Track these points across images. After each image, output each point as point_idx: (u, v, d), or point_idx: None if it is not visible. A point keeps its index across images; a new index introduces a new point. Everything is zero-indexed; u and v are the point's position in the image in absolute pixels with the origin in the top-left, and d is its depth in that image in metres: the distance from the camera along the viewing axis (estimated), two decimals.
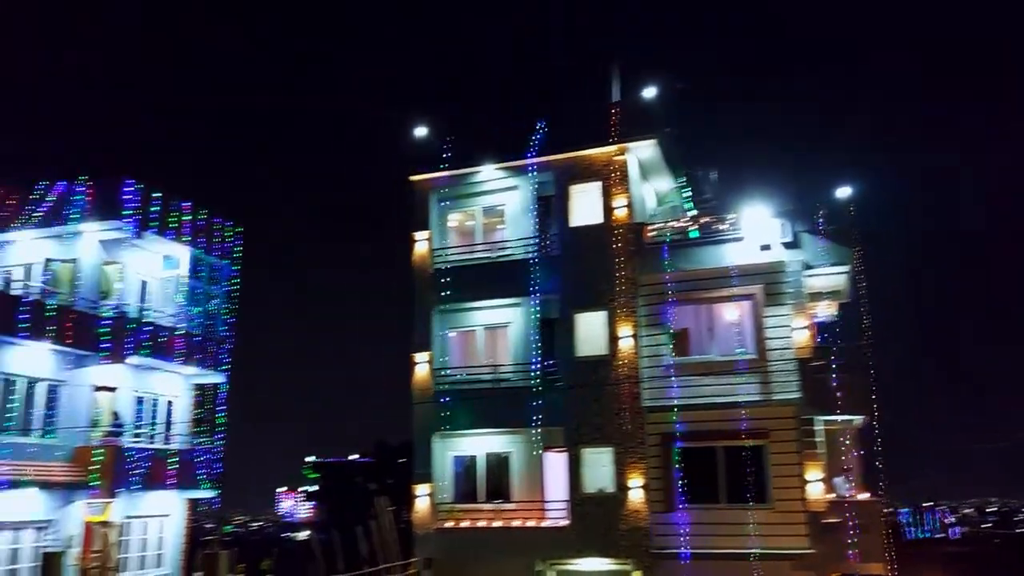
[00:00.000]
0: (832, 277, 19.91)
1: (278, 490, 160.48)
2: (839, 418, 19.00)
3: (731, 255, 19.58)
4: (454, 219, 23.21)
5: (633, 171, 21.25)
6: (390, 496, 22.52)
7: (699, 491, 18.94)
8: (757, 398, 18.77)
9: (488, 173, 22.31)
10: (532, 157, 21.68)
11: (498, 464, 21.18)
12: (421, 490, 21.06)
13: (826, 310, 21.51)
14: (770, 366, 18.86)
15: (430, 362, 21.70)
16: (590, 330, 20.48)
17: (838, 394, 18.32)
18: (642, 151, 21.40)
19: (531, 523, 20.05)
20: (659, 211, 22.98)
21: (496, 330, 21.87)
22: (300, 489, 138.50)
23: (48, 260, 23.41)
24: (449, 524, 20.63)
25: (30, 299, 21.27)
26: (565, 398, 20.09)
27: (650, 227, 20.80)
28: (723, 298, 19.82)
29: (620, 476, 19.45)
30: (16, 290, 22.07)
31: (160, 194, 23.86)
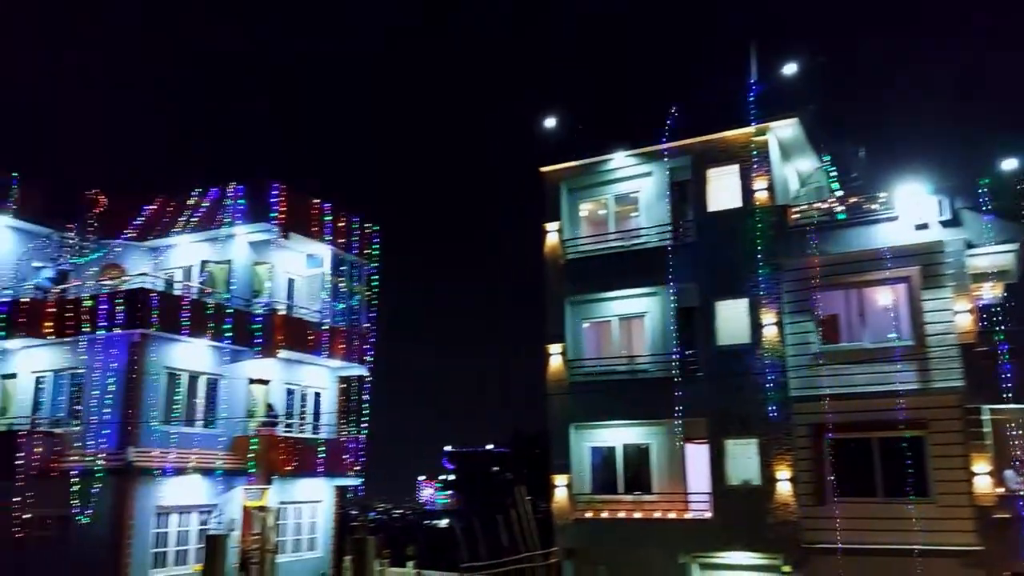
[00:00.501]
0: (998, 256, 18.43)
1: (418, 478, 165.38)
2: (1009, 407, 17.60)
3: (883, 236, 18.46)
4: (585, 208, 23.04)
5: (774, 152, 20.43)
6: (527, 486, 22.63)
7: (853, 484, 18.01)
8: (915, 386, 17.65)
9: (620, 160, 22.00)
10: (666, 142, 21.21)
11: (637, 455, 20.91)
12: (559, 480, 21.05)
13: (992, 291, 19.97)
14: (929, 352, 17.68)
15: (563, 353, 21.64)
16: (731, 318, 19.85)
17: (1006, 381, 16.97)
18: (783, 130, 20.53)
19: (673, 515, 19.67)
20: (803, 192, 21.99)
21: (631, 320, 21.58)
22: (439, 478, 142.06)
23: (204, 262, 24.89)
24: (588, 515, 20.53)
25: (190, 299, 22.68)
26: (706, 388, 19.58)
27: (794, 209, 19.93)
28: (875, 281, 18.73)
29: (766, 468, 18.77)
30: (178, 291, 23.57)
31: (302, 196, 24.91)
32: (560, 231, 22.42)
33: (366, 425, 26.95)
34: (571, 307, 22.02)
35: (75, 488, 20.38)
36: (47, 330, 21.90)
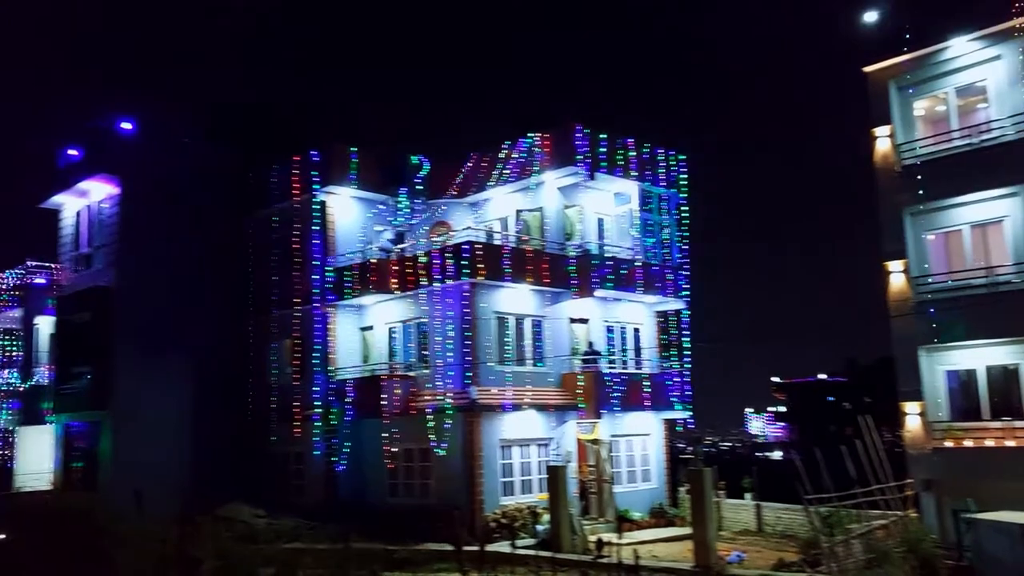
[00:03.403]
0: None
1: (746, 410, 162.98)
2: None
3: None
4: (920, 107, 20.51)
5: None
6: (869, 415, 20.93)
7: None
8: None
9: (959, 47, 19.17)
10: (1019, 16, 18.01)
11: (1004, 378, 18.46)
12: (910, 408, 19.27)
13: None
14: None
15: (906, 270, 19.59)
16: None
17: None
18: None
19: None
20: None
21: (987, 226, 18.99)
22: (769, 410, 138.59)
23: (518, 211, 25.97)
24: (948, 444, 18.57)
25: (510, 248, 23.83)
26: None
27: None
28: None
29: None
30: (498, 241, 24.86)
31: (605, 135, 24.89)
32: (892, 135, 20.16)
33: (688, 358, 26.72)
34: (911, 218, 19.83)
35: (430, 424, 22.57)
36: (393, 286, 24.26)
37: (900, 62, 20.04)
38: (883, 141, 20.22)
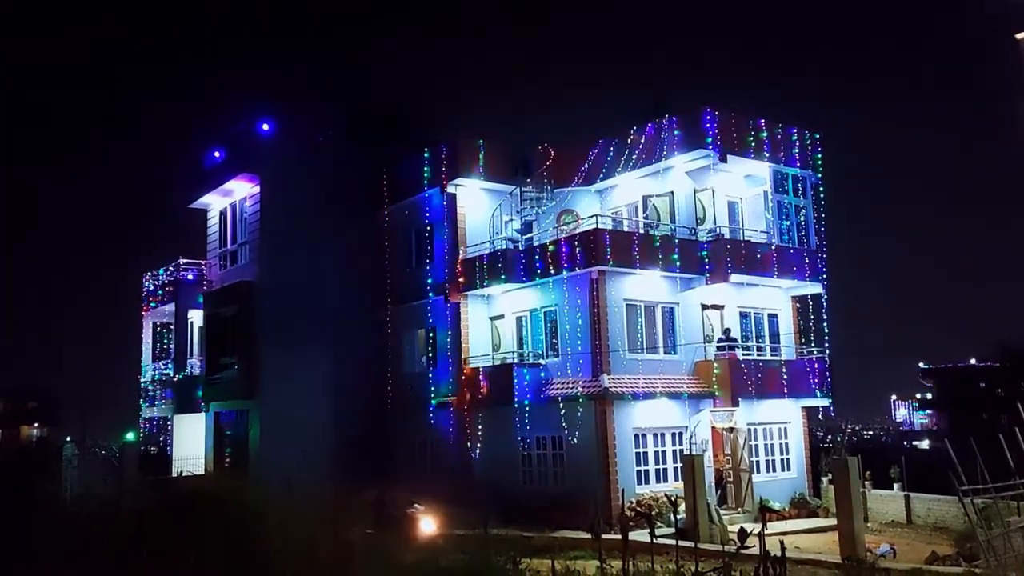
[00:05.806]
0: None
1: (891, 398, 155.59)
2: None
3: None
4: None
5: None
6: None
7: None
8: None
9: None
10: None
11: None
12: None
13: None
14: None
15: None
16: None
17: None
18: None
19: None
20: None
21: None
22: (916, 396, 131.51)
23: (646, 197, 25.62)
24: None
25: (638, 234, 23.56)
26: None
27: None
28: None
29: None
30: (626, 228, 24.62)
31: (734, 116, 24.21)
32: None
33: (828, 344, 25.72)
34: None
35: (562, 412, 22.64)
36: (521, 275, 24.45)
37: None
38: None
